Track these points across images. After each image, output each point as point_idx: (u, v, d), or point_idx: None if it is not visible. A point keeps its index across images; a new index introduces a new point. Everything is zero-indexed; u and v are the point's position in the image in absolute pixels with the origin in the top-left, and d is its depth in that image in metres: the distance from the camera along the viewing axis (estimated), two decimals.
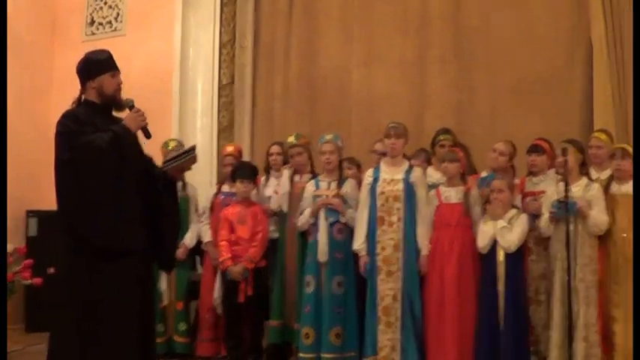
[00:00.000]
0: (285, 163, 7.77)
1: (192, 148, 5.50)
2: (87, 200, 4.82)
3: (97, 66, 5.10)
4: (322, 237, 6.99)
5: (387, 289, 6.69)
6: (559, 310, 6.31)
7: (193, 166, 5.50)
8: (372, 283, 6.77)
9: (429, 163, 7.55)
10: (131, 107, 5.11)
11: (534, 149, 6.95)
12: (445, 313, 6.58)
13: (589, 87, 8.04)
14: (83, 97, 5.13)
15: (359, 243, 6.84)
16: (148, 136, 5.16)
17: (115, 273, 4.87)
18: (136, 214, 4.96)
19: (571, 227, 6.04)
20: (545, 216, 6.48)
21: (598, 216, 6.34)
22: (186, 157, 5.43)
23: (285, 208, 7.51)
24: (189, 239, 7.88)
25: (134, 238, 4.93)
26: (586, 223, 6.33)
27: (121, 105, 5.16)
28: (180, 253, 7.68)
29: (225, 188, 7.99)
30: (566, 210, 5.98)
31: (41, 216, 9.49)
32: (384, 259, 6.72)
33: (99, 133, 4.87)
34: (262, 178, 7.88)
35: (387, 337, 6.66)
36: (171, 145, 7.93)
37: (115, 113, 5.20)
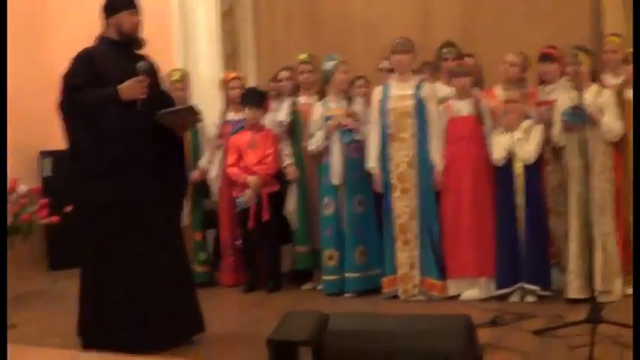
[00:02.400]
0: (295, 87, 7.67)
1: (190, 108, 5.72)
2: (70, 148, 5.27)
3: (117, 3, 5.34)
4: (336, 159, 6.97)
5: (403, 206, 6.68)
6: (575, 221, 6.26)
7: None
8: (387, 202, 6.76)
9: (435, 75, 7.48)
10: (142, 72, 5.23)
11: (546, 58, 6.84)
12: (462, 226, 6.61)
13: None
14: (105, 35, 5.38)
15: (371, 161, 6.80)
16: (140, 108, 5.23)
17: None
18: (105, 168, 5.16)
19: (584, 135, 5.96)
20: (558, 125, 6.41)
21: (610, 122, 6.25)
22: (183, 114, 5.64)
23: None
24: (205, 162, 7.87)
25: (103, 193, 5.15)
26: (599, 130, 6.25)
27: (139, 43, 5.39)
28: (195, 175, 7.76)
29: (230, 115, 7.92)
30: (579, 118, 5.89)
31: (55, 156, 9.42)
32: (398, 177, 6.70)
33: (91, 91, 5.09)
34: (273, 104, 7.78)
35: (405, 254, 6.67)
36: (175, 76, 7.87)
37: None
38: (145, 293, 5.22)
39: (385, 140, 6.76)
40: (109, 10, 5.34)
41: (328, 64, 7.17)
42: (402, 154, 6.70)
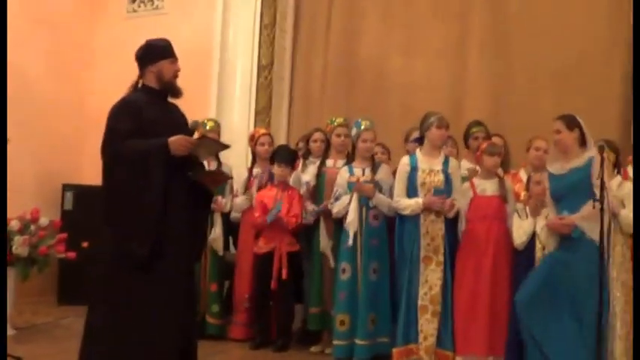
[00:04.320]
0: (325, 149, 7.73)
1: (221, 172, 6.44)
2: (111, 197, 5.14)
3: (157, 52, 5.37)
4: (352, 211, 6.94)
5: (436, 278, 6.68)
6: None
7: (230, 147, 5.71)
8: (414, 272, 6.73)
9: (456, 150, 7.58)
10: (192, 132, 5.36)
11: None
12: (479, 305, 6.57)
13: (630, 79, 7.97)
14: (141, 82, 5.39)
15: (414, 202, 6.75)
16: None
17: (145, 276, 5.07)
18: (147, 221, 5.07)
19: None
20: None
21: (630, 214, 6.28)
22: (216, 174, 6.12)
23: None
24: (228, 206, 7.96)
25: (139, 245, 5.03)
26: (618, 222, 6.26)
27: (177, 91, 5.41)
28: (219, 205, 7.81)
29: (256, 171, 8.00)
30: (601, 209, 5.94)
31: (77, 190, 9.57)
32: (434, 249, 6.70)
33: (139, 141, 5.07)
34: (300, 164, 7.87)
35: (433, 325, 6.64)
36: (209, 125, 7.98)
37: (170, 99, 5.45)
38: (158, 341, 5.10)
39: (417, 214, 6.77)
40: (150, 58, 5.37)
41: (354, 131, 7.26)
42: (437, 227, 6.73)
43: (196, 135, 5.43)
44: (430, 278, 6.70)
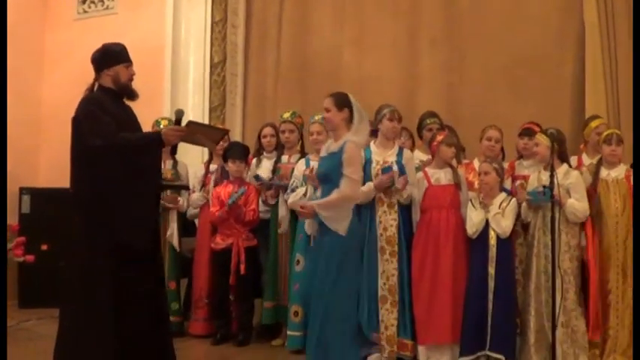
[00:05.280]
0: (277, 144, 7.77)
1: (186, 187, 7.11)
2: (105, 190, 5.24)
3: (114, 56, 5.58)
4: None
5: (392, 268, 6.71)
6: (536, 296, 6.37)
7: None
8: (372, 262, 6.72)
9: (411, 142, 7.65)
10: (178, 120, 5.62)
11: (527, 133, 6.97)
12: (441, 294, 6.59)
13: (581, 69, 8.03)
14: (97, 83, 5.57)
15: (369, 184, 6.73)
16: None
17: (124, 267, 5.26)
18: (146, 212, 5.44)
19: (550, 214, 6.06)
20: (525, 203, 6.54)
21: (575, 203, 6.37)
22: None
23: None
24: (185, 204, 8.00)
25: (141, 236, 5.36)
26: (564, 211, 6.36)
27: (133, 94, 5.63)
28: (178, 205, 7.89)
29: (213, 167, 8.04)
30: (543, 197, 6.03)
31: (34, 193, 9.53)
32: (387, 240, 6.73)
33: (134, 134, 5.41)
34: (254, 160, 7.89)
35: (393, 315, 6.68)
36: (163, 123, 7.93)
37: (126, 101, 5.68)
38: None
39: (372, 205, 6.79)
40: (106, 62, 5.55)
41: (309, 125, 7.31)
42: (392, 218, 6.76)
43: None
44: (387, 268, 6.73)
